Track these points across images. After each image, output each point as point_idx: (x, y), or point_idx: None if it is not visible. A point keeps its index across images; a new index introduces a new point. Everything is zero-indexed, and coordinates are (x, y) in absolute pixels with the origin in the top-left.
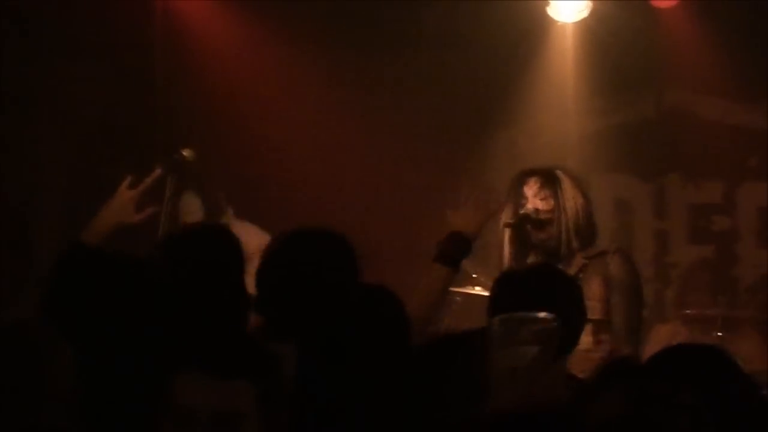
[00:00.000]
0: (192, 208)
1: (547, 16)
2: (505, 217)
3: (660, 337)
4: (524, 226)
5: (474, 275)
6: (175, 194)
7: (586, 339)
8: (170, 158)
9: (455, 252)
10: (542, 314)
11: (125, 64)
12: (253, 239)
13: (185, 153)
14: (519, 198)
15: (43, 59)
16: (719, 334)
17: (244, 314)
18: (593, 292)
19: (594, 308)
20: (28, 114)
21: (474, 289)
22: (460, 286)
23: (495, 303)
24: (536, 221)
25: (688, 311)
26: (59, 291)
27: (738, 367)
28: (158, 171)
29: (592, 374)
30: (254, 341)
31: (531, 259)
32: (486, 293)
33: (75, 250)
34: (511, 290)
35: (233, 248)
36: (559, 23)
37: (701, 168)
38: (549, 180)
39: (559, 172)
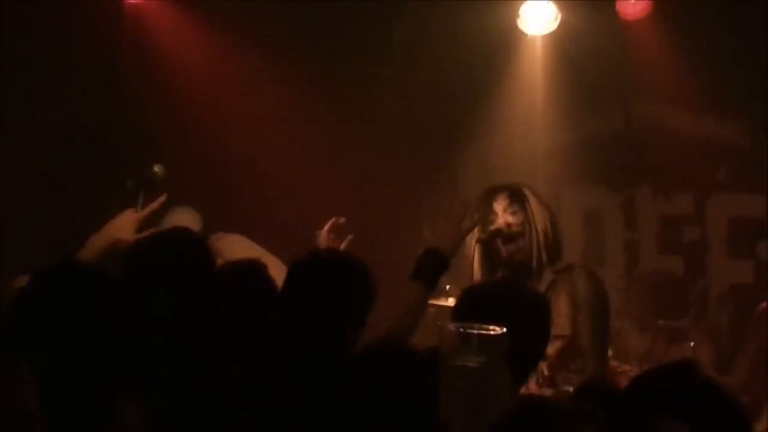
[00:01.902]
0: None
1: (517, 29)
2: (476, 233)
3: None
4: (495, 241)
5: (447, 287)
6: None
7: (551, 354)
8: (141, 174)
9: (432, 270)
10: (491, 327)
11: (92, 74)
12: (244, 252)
13: (156, 168)
14: (488, 214)
15: (7, 69)
16: (692, 344)
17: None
18: (561, 308)
19: (562, 324)
20: None
21: (447, 301)
22: (433, 298)
23: (457, 316)
24: (507, 235)
25: (661, 322)
26: (25, 306)
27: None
28: (164, 196)
29: (564, 398)
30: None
31: (500, 275)
32: None
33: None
34: (474, 304)
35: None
36: (528, 36)
37: (671, 179)
38: (517, 196)
39: (525, 188)
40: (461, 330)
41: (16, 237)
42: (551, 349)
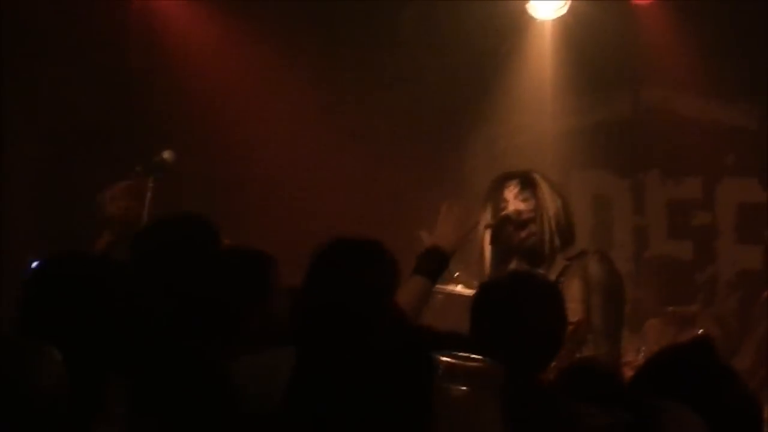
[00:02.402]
0: None
1: (526, 13)
2: (486, 219)
3: (650, 335)
4: (505, 227)
5: (456, 274)
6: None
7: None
8: (150, 160)
9: (434, 266)
10: (477, 357)
11: (99, 61)
12: None
13: (165, 155)
14: (499, 202)
15: (15, 58)
16: (701, 331)
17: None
18: (573, 294)
19: (574, 310)
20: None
21: (456, 288)
22: (442, 284)
23: (475, 316)
24: (518, 222)
25: (670, 308)
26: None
27: (726, 369)
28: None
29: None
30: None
31: (513, 262)
32: (467, 291)
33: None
34: (492, 304)
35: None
36: (537, 21)
37: (680, 164)
38: (528, 182)
39: (536, 175)
40: (447, 360)
41: (24, 225)
42: (574, 340)
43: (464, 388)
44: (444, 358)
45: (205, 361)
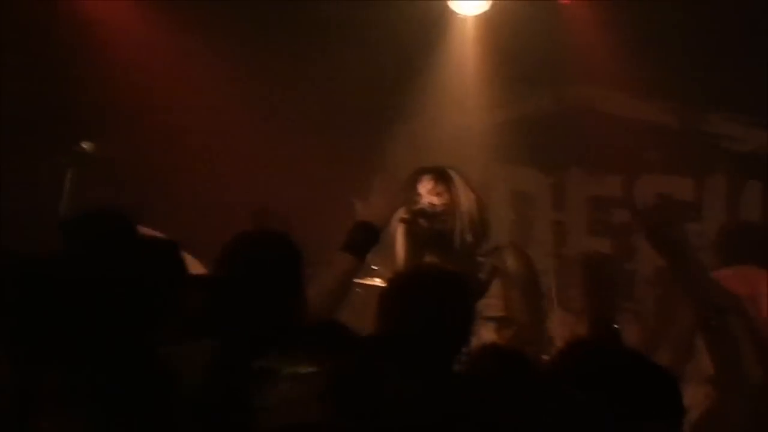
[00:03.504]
0: None
1: (449, 9)
2: (400, 213)
3: (565, 330)
4: (418, 221)
5: (374, 267)
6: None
7: (489, 336)
8: (70, 151)
9: (363, 242)
10: (305, 364)
11: (23, 52)
12: None
13: (85, 145)
14: (413, 196)
15: None
16: (616, 326)
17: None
18: (493, 289)
19: (494, 306)
20: None
21: (374, 281)
22: (360, 278)
23: (382, 304)
24: (431, 215)
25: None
26: None
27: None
28: None
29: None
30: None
31: (426, 256)
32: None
33: None
34: (396, 292)
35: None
36: (460, 16)
37: (601, 161)
38: (442, 177)
39: (451, 171)
40: (264, 367)
41: None
42: (497, 336)
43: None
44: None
45: (137, 351)
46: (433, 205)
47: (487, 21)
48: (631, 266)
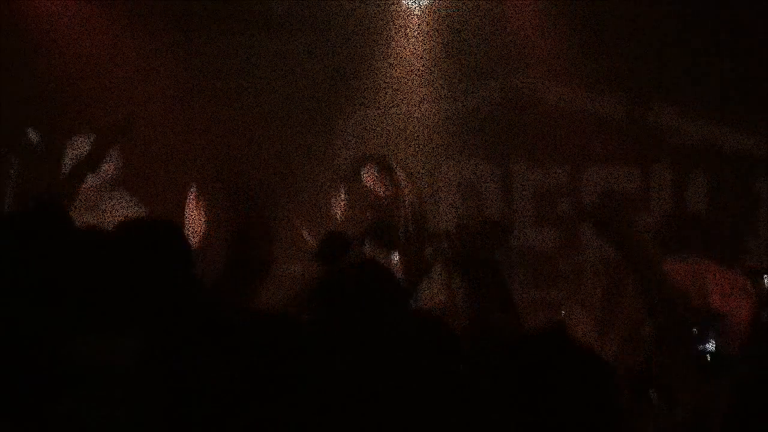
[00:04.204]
0: None
1: (397, 1)
2: (342, 201)
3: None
4: (360, 211)
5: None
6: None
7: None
8: (13, 138)
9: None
10: None
11: None
12: None
13: (30, 134)
14: (356, 185)
15: None
16: (563, 312)
17: None
18: (434, 279)
19: (437, 295)
20: None
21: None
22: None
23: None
24: (372, 206)
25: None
26: None
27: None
28: None
29: None
30: None
31: (367, 246)
32: None
33: None
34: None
35: None
36: (406, 7)
37: (547, 152)
38: (385, 167)
39: (394, 162)
40: None
41: None
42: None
43: None
44: None
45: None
46: (375, 196)
47: (434, 13)
48: (578, 257)
